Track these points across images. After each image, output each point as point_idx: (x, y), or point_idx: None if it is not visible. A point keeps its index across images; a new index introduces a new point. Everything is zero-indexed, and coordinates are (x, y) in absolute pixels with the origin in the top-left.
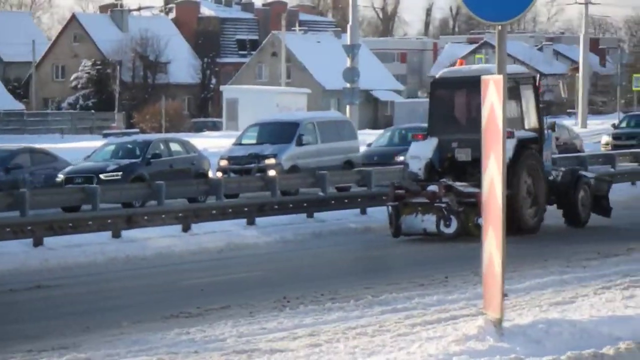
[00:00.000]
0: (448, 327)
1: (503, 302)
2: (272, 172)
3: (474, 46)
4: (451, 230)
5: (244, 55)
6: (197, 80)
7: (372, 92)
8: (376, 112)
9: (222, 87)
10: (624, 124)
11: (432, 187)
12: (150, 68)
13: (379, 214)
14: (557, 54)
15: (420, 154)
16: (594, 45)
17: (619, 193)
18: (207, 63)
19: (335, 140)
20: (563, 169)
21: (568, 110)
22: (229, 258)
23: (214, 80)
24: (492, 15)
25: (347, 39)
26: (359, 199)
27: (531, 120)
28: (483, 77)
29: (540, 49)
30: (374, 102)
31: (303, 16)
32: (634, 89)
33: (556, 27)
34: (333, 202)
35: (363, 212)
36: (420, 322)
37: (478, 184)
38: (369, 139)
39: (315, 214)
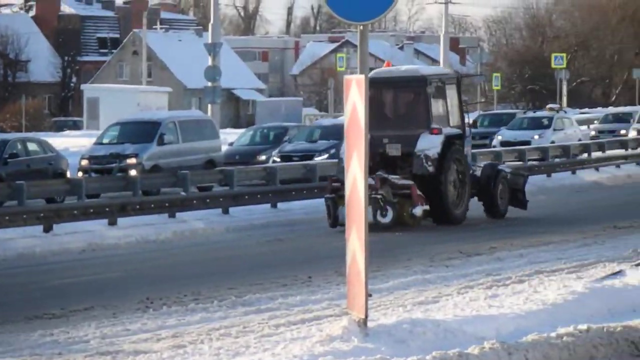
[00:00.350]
0: (312, 327)
1: (367, 302)
2: (133, 172)
3: (335, 45)
4: (387, 219)
5: (105, 54)
6: (58, 79)
7: (234, 91)
8: (238, 111)
9: (82, 86)
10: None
11: (368, 180)
12: (10, 66)
13: (242, 214)
14: (417, 53)
15: None
16: (454, 45)
17: None
18: (68, 61)
19: (197, 140)
20: (481, 164)
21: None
22: (91, 258)
23: (74, 79)
24: (354, 15)
25: (208, 37)
26: (221, 199)
27: (455, 117)
28: (345, 77)
29: (401, 48)
30: (236, 101)
31: (164, 14)
32: (493, 87)
33: (417, 27)
34: (195, 201)
35: (225, 211)
36: (284, 322)
37: (409, 177)
38: (230, 138)
39: (177, 214)
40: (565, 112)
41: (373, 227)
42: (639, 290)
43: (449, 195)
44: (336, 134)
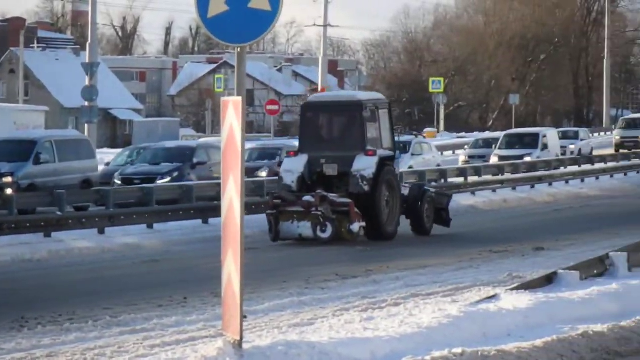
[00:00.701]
0: (187, 348)
1: (242, 324)
2: (9, 191)
3: (213, 66)
4: (327, 234)
5: None
6: None
7: (111, 111)
8: (115, 131)
9: None
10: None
11: (308, 197)
12: None
13: (118, 234)
14: (296, 75)
15: (293, 168)
16: (332, 67)
17: None
18: None
19: (74, 159)
20: (408, 184)
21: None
22: None
23: None
24: (231, 37)
25: (86, 56)
26: (97, 219)
27: (387, 140)
28: (222, 98)
29: (280, 70)
30: (113, 121)
31: (42, 33)
32: None
33: (296, 49)
34: (71, 221)
35: (101, 231)
36: (159, 343)
37: (345, 196)
38: (107, 158)
39: (53, 234)
40: (424, 137)
41: (316, 241)
42: (514, 314)
43: (382, 213)
44: (180, 156)
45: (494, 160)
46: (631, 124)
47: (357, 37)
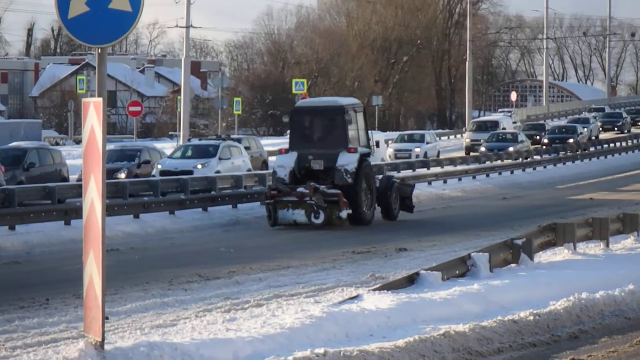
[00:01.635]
0: (49, 350)
1: (104, 325)
2: None
3: (76, 67)
4: (319, 220)
5: None
6: None
7: None
8: None
9: None
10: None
11: (301, 189)
12: None
13: None
14: (159, 76)
15: (285, 163)
16: (195, 69)
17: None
18: None
19: None
20: (379, 176)
21: (170, 133)
22: None
23: None
24: (92, 38)
25: None
26: None
27: (363, 139)
28: (83, 100)
29: (142, 71)
30: None
31: None
32: (234, 112)
33: (158, 50)
34: None
35: None
36: (20, 345)
37: (331, 187)
38: None
39: None
40: (233, 139)
41: (309, 227)
42: (376, 314)
43: (362, 202)
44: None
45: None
46: (482, 127)
47: (220, 38)
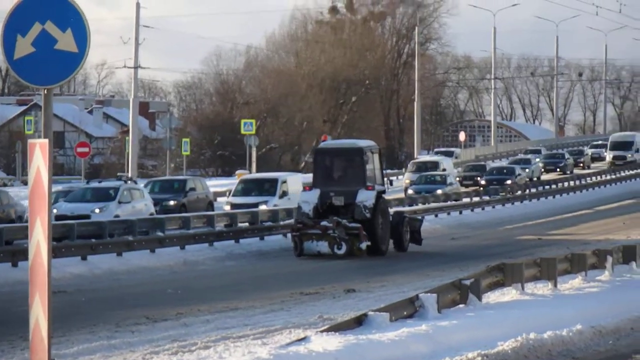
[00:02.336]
0: None
1: None
2: None
3: (24, 107)
4: (342, 251)
5: None
6: None
7: None
8: None
9: None
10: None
11: (324, 222)
12: None
13: None
14: (107, 117)
15: (309, 199)
16: (144, 109)
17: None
18: None
19: None
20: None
21: (118, 174)
22: None
23: None
24: (38, 79)
25: None
26: None
27: (379, 178)
28: (29, 141)
29: (91, 112)
30: None
31: None
32: (183, 153)
33: (106, 90)
34: None
35: None
36: None
37: (353, 221)
38: None
39: None
40: (136, 182)
41: (328, 257)
42: (324, 356)
43: (378, 235)
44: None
45: (226, 208)
46: (421, 167)
47: (168, 78)
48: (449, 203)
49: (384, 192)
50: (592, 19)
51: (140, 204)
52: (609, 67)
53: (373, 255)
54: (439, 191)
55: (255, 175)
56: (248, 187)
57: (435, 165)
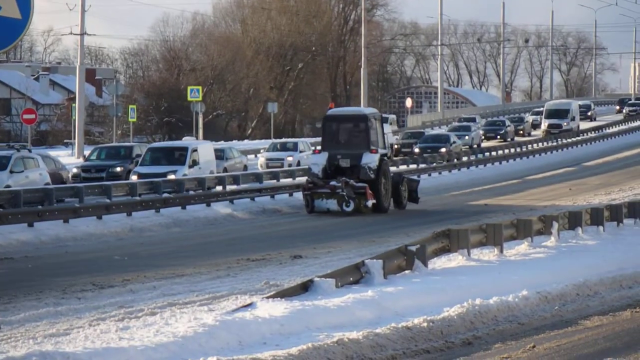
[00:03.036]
0: None
1: None
2: None
3: None
4: (350, 208)
5: None
6: None
7: None
8: None
9: None
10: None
11: (333, 182)
12: None
13: None
14: (53, 84)
15: (318, 161)
16: (90, 76)
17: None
18: None
19: None
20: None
21: (65, 141)
22: None
23: None
24: None
25: None
26: None
27: (381, 142)
28: None
29: (37, 79)
30: None
31: None
32: (129, 119)
33: (53, 57)
34: None
35: None
36: None
37: (357, 180)
38: None
39: None
40: (30, 150)
41: (337, 214)
42: (270, 322)
43: (381, 194)
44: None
45: (133, 178)
46: None
47: (115, 45)
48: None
49: (386, 155)
50: None
51: (34, 173)
52: (555, 33)
53: (377, 212)
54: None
55: (164, 143)
56: (156, 156)
57: None
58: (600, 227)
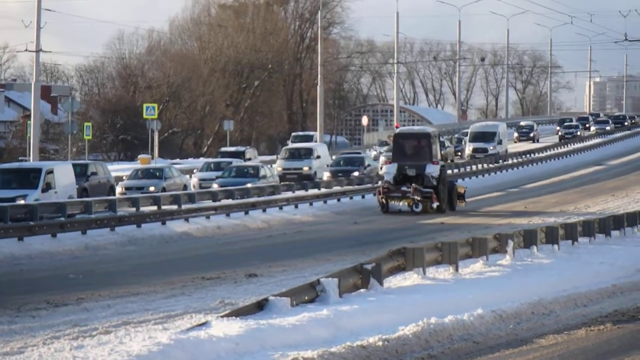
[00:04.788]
0: None
1: None
2: None
3: None
4: (418, 209)
5: None
6: None
7: None
8: None
9: None
10: None
11: (404, 188)
12: None
13: None
14: (9, 100)
15: (389, 171)
16: (45, 93)
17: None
18: None
19: None
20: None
21: (20, 158)
22: None
23: None
24: None
25: None
26: None
27: (438, 155)
28: None
29: None
30: None
31: None
32: (85, 137)
33: (8, 74)
34: None
35: None
36: None
37: (424, 186)
38: None
39: None
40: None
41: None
42: (224, 341)
43: (441, 198)
44: None
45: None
46: (294, 154)
47: (71, 62)
48: (349, 187)
49: (443, 166)
50: (494, 3)
51: None
52: (511, 51)
53: (438, 213)
54: (249, 185)
55: (15, 164)
56: (6, 178)
57: (309, 152)
58: (556, 246)
